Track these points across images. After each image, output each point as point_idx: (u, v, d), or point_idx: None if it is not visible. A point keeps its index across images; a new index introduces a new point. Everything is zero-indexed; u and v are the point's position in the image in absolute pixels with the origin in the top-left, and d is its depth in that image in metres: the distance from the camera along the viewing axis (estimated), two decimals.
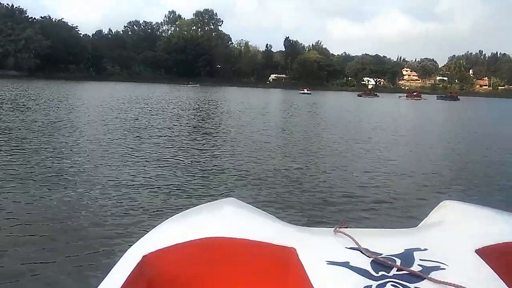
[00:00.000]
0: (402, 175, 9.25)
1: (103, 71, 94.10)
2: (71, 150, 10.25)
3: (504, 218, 1.20)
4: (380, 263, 0.92)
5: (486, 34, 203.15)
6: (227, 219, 1.17)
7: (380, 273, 0.89)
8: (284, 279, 0.99)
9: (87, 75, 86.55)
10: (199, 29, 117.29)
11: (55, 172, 7.91)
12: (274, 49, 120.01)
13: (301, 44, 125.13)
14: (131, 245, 1.11)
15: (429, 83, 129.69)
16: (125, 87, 58.99)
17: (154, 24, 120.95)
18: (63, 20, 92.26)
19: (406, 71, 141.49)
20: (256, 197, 6.84)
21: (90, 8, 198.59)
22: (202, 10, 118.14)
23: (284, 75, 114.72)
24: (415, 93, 77.83)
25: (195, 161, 9.88)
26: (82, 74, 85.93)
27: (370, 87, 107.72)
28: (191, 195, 6.85)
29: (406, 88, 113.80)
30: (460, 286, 0.83)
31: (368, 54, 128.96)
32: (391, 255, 0.96)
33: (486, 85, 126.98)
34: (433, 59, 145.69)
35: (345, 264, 0.93)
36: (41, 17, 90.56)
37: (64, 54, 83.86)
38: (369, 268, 0.91)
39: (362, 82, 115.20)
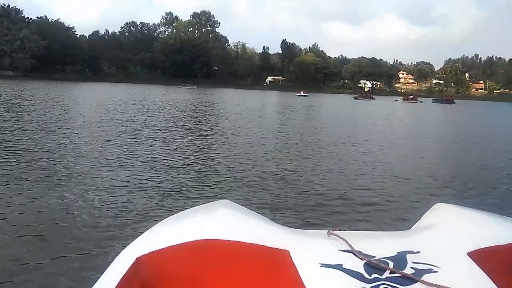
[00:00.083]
0: (397, 177, 9.27)
1: (100, 72, 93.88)
2: (66, 151, 10.21)
3: (497, 221, 1.21)
4: (373, 266, 0.93)
5: (482, 38, 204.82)
6: (221, 221, 1.17)
7: (373, 275, 0.89)
8: (277, 282, 0.99)
9: (84, 76, 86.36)
10: (196, 31, 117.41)
11: (49, 173, 7.88)
12: (271, 51, 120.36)
13: (298, 46, 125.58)
14: (124, 247, 1.11)
15: (425, 86, 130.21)
16: (121, 88, 58.90)
17: (151, 25, 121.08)
18: (59, 20, 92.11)
19: (403, 74, 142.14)
20: (251, 199, 6.84)
21: (87, 9, 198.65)
22: (199, 12, 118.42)
23: (281, 77, 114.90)
24: (412, 96, 78.14)
25: (190, 162, 9.86)
26: (78, 75, 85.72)
27: (366, 90, 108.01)
28: (186, 197, 6.83)
29: (402, 91, 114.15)
30: None
31: (364, 57, 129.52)
32: (384, 258, 0.96)
33: (481, 89, 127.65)
34: (429, 62, 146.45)
35: (338, 267, 0.93)
36: (37, 17, 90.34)
37: (61, 55, 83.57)
38: (362, 270, 0.91)
39: (358, 85, 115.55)
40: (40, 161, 8.91)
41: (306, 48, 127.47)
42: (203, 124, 19.39)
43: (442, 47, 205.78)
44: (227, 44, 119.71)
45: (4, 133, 12.37)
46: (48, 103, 25.23)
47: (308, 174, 9.17)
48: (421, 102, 72.15)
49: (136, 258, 1.03)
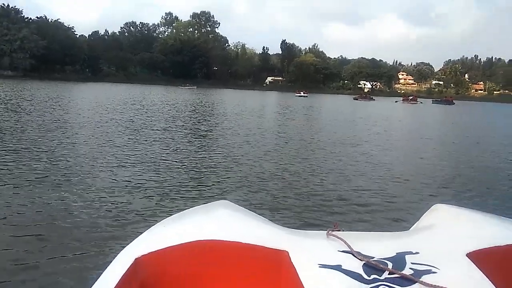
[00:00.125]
0: (396, 178, 9.27)
1: (99, 72, 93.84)
2: (65, 151, 10.20)
3: (495, 221, 1.21)
4: (372, 267, 0.93)
5: (482, 38, 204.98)
6: (220, 222, 1.17)
7: (372, 276, 0.90)
8: (276, 282, 0.99)
9: (83, 76, 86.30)
10: (196, 31, 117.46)
11: (49, 173, 7.87)
12: (270, 52, 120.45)
13: (298, 47, 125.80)
14: (124, 247, 1.11)
15: (424, 87, 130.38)
16: (121, 88, 58.88)
17: (150, 26, 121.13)
18: (59, 20, 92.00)
19: (402, 75, 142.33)
20: (250, 200, 6.83)
21: (87, 9, 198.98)
22: (199, 12, 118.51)
23: (280, 78, 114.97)
24: (411, 97, 78.17)
25: (189, 163, 9.86)
26: (78, 75, 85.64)
27: (366, 90, 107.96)
28: (185, 197, 6.83)
29: (402, 91, 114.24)
30: None
31: (364, 58, 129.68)
32: (383, 259, 0.96)
33: (481, 90, 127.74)
34: (428, 63, 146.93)
35: (337, 267, 0.93)
36: (37, 17, 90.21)
37: (60, 55, 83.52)
38: (361, 271, 0.92)
39: (358, 86, 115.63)
40: (39, 161, 8.90)
41: (306, 48, 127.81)
42: (202, 125, 19.39)
43: (442, 47, 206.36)
44: (227, 44, 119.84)
45: (4, 133, 12.36)
46: (48, 103, 25.21)
47: (307, 175, 9.17)
48: (421, 103, 72.19)
49: (135, 259, 1.03)
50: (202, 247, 1.05)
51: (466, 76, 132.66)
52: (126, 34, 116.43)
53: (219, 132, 16.74)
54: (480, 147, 16.15)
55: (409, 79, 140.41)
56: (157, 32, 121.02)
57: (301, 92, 75.59)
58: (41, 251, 4.48)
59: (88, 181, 7.46)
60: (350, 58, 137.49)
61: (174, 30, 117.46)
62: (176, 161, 9.93)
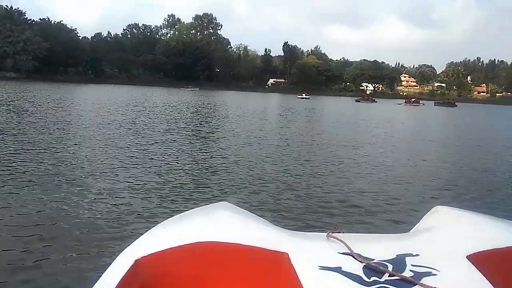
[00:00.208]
0: (397, 180, 9.25)
1: (102, 74, 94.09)
2: (67, 153, 10.23)
3: (495, 223, 1.21)
4: (372, 269, 0.93)
5: (484, 41, 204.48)
6: (220, 223, 1.17)
7: (372, 278, 0.90)
8: (276, 284, 0.99)
9: (86, 78, 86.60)
10: (198, 33, 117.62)
11: (50, 174, 7.89)
12: (273, 54, 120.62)
13: (300, 49, 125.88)
14: (124, 248, 1.11)
15: (427, 89, 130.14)
16: (123, 90, 58.97)
17: (153, 28, 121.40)
18: (62, 22, 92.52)
19: (404, 77, 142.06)
20: (250, 201, 6.83)
21: (87, 9, 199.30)
22: (201, 14, 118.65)
23: (282, 80, 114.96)
24: (414, 99, 78.04)
25: (190, 164, 9.87)
26: (81, 77, 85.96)
27: (368, 92, 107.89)
28: (185, 199, 6.82)
29: (404, 94, 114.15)
30: None
31: (366, 60, 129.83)
32: (383, 261, 0.96)
33: (484, 92, 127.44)
34: (431, 65, 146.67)
35: (337, 269, 0.93)
36: (40, 19, 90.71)
37: (63, 57, 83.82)
38: (361, 273, 0.92)
39: (360, 88, 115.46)
40: (41, 162, 8.91)
41: (308, 50, 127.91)
42: (204, 127, 19.41)
43: (444, 50, 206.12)
44: (229, 46, 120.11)
45: (6, 134, 12.39)
46: (50, 105, 25.27)
47: (308, 177, 9.16)
48: (423, 105, 72.05)
49: (135, 260, 1.03)
50: (202, 249, 1.05)
51: (469, 78, 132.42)
52: (129, 36, 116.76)
53: (220, 134, 16.74)
54: (482, 149, 16.12)
55: (411, 81, 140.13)
56: (159, 34, 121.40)
57: (303, 94, 75.53)
58: (42, 251, 4.49)
59: (89, 182, 7.47)
60: (352, 60, 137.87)
61: (177, 32, 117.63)
62: (177, 163, 9.93)
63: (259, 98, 63.46)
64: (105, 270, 1.02)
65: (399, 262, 0.96)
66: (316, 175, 9.34)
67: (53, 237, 4.89)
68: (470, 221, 1.23)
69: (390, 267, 0.93)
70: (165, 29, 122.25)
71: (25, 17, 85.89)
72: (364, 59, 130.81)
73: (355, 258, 0.97)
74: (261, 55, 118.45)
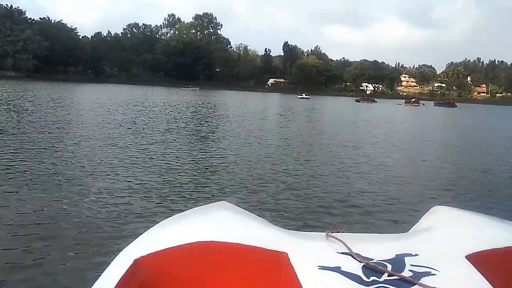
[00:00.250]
0: (397, 180, 9.27)
1: (102, 73, 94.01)
2: (66, 152, 10.23)
3: (495, 223, 1.21)
4: (372, 268, 0.93)
5: (484, 41, 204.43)
6: (219, 223, 1.17)
7: (371, 278, 0.90)
8: (275, 284, 0.99)
9: (86, 77, 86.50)
10: (199, 33, 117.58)
11: (50, 173, 7.90)
12: (273, 54, 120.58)
13: (300, 49, 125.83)
14: (123, 248, 1.11)
15: (427, 90, 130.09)
16: (123, 89, 58.98)
17: (153, 27, 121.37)
18: (62, 21, 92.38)
19: (404, 77, 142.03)
20: (250, 201, 6.84)
21: (89, 10, 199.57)
22: (201, 14, 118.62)
23: (282, 80, 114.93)
24: (414, 99, 78.05)
25: (190, 164, 9.88)
26: (81, 76, 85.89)
27: (368, 92, 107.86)
28: (185, 198, 6.83)
29: (404, 94, 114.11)
30: None
31: (366, 60, 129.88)
32: (382, 260, 0.96)
33: (484, 92, 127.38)
34: (431, 65, 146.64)
35: (337, 269, 0.93)
36: (40, 18, 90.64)
37: (63, 56, 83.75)
38: (360, 273, 0.92)
39: (360, 88, 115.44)
40: (40, 161, 8.92)
41: (308, 50, 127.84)
42: (204, 126, 19.41)
43: (444, 50, 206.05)
44: (229, 46, 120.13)
45: (6, 134, 12.39)
46: (50, 104, 25.27)
47: (308, 176, 9.16)
48: (423, 105, 72.06)
49: (135, 260, 1.03)
50: (202, 249, 1.05)
51: (469, 78, 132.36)
52: (129, 35, 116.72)
53: (220, 133, 16.74)
54: (482, 150, 16.13)
55: (411, 82, 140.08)
56: (159, 33, 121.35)
57: (303, 94, 75.51)
58: (41, 250, 4.49)
59: (89, 181, 7.47)
60: (352, 60, 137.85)
61: (177, 32, 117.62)
62: (177, 162, 9.94)
63: (259, 98, 63.46)
64: (104, 269, 1.01)
65: (398, 262, 0.96)
66: (315, 175, 9.35)
67: (52, 236, 4.89)
68: (470, 221, 1.23)
69: (389, 267, 0.93)
70: (165, 28, 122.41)
71: (25, 16, 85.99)
72: (364, 59, 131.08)
73: (355, 258, 0.97)
74: (261, 55, 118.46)
